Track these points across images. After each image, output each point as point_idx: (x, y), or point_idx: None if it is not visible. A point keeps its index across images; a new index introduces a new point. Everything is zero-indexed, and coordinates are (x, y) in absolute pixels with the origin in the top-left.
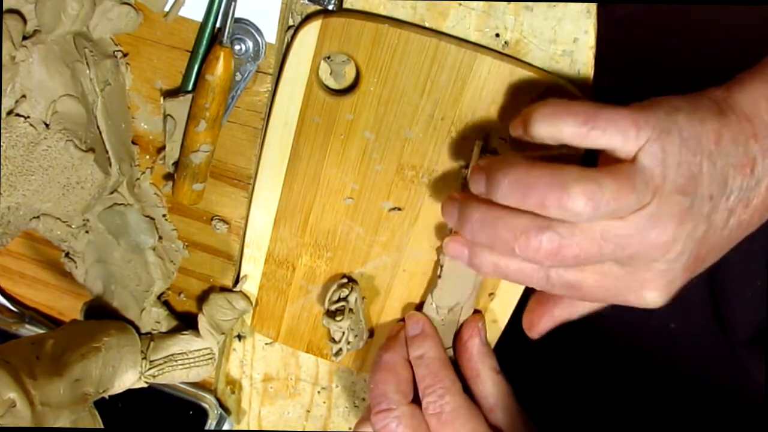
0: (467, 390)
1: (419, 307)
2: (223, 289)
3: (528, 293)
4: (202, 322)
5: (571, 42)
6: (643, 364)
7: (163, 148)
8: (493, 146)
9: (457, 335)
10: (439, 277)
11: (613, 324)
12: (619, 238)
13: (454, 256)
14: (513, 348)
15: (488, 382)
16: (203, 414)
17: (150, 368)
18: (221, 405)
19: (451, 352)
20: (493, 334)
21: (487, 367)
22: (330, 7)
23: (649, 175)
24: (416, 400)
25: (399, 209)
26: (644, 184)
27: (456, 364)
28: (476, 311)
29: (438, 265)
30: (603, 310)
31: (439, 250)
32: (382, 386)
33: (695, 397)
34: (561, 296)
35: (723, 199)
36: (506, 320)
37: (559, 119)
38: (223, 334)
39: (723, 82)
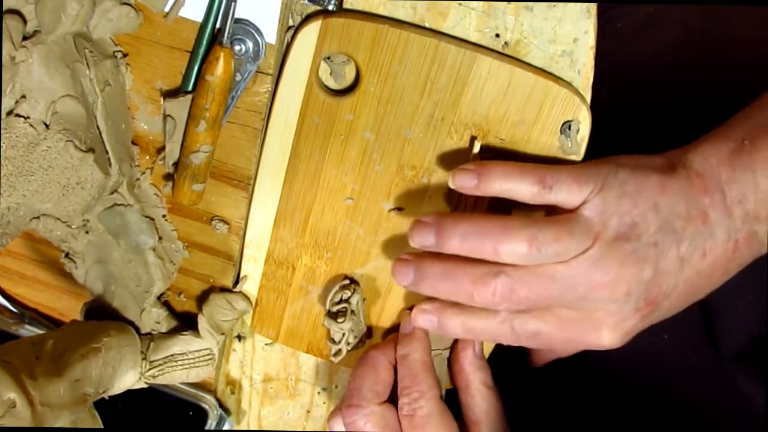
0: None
1: None
2: (223, 290)
3: None
4: (202, 322)
5: (571, 42)
6: (635, 375)
7: (163, 148)
8: (491, 145)
9: (455, 342)
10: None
11: None
12: (565, 279)
13: (424, 326)
14: (510, 356)
15: (477, 396)
16: (203, 414)
17: (150, 369)
18: (221, 405)
19: (449, 352)
20: (489, 345)
21: (478, 381)
22: (330, 8)
23: (590, 224)
24: (394, 400)
25: (399, 210)
26: (584, 231)
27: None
28: None
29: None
30: None
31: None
32: (359, 381)
33: (685, 408)
34: None
35: (672, 246)
36: None
37: (515, 179)
38: (223, 334)
39: (722, 95)
